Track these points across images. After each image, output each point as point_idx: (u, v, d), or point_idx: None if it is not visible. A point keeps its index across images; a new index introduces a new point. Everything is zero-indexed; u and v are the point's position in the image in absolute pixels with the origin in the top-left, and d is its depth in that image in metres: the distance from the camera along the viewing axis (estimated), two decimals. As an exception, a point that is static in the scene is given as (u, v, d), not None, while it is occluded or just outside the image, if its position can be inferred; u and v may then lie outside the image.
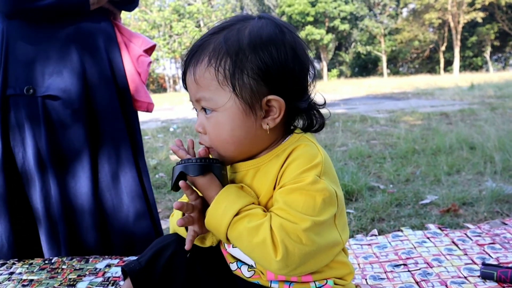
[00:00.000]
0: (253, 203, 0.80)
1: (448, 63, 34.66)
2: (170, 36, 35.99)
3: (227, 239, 0.79)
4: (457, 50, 31.92)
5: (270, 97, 0.78)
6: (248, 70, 0.76)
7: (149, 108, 1.60)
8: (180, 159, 0.83)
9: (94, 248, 1.54)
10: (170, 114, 10.29)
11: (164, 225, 2.00)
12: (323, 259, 0.80)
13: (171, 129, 6.86)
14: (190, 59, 0.81)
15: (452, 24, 31.53)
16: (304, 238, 0.73)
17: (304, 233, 0.73)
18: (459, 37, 31.84)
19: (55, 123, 1.48)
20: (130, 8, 1.64)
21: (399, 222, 2.02)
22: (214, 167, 0.81)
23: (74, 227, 1.52)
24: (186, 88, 0.85)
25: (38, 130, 1.48)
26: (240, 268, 0.89)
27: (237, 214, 0.77)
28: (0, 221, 1.52)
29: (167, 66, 40.37)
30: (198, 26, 35.58)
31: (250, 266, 0.88)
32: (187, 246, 0.87)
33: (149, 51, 1.61)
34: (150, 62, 1.59)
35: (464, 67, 33.65)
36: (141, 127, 1.70)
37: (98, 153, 1.53)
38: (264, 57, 0.77)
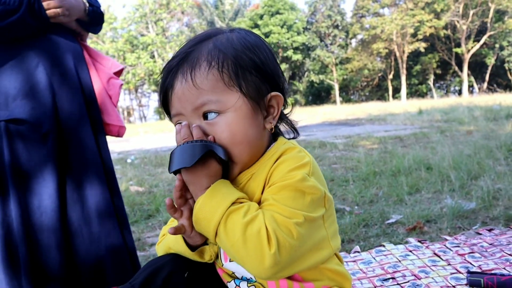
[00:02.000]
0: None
1: (396, 90, 36.38)
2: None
3: (216, 234, 0.75)
4: (403, 78, 33.65)
5: (273, 93, 0.82)
6: (250, 69, 0.78)
7: (120, 132, 1.55)
8: (196, 140, 0.76)
9: (57, 270, 1.42)
10: (126, 145, 10.07)
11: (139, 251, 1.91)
12: (311, 259, 0.79)
13: (129, 160, 6.69)
14: (178, 68, 0.78)
15: (398, 54, 33.32)
16: (295, 232, 0.72)
17: (295, 227, 0.72)
18: (404, 65, 33.64)
19: (19, 147, 1.39)
20: (95, 30, 1.60)
21: (368, 242, 2.05)
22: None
23: (35, 247, 1.40)
24: (165, 103, 0.81)
25: (0, 154, 1.38)
26: (239, 286, 0.86)
27: (232, 204, 0.75)
28: None
29: (121, 98, 39.73)
30: (153, 57, 35.50)
31: (249, 281, 0.85)
32: (171, 231, 0.80)
33: (118, 74, 1.57)
34: (122, 85, 1.55)
35: (411, 94, 35.43)
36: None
37: (66, 175, 1.44)
38: (260, 56, 0.81)
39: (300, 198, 0.75)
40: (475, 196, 2.58)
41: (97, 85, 1.51)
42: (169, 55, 37.90)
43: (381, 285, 1.33)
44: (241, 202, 0.76)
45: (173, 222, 0.88)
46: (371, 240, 2.08)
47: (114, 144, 10.32)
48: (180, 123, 0.80)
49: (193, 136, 0.76)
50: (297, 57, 36.28)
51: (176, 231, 0.80)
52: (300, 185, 0.76)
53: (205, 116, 0.78)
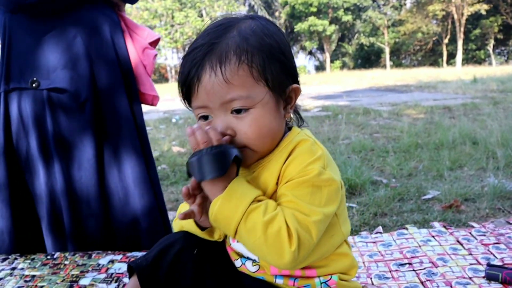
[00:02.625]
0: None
1: (451, 56, 34.46)
2: (172, 26, 35.78)
3: (236, 232, 0.77)
4: (460, 43, 31.72)
5: (294, 86, 0.84)
6: (275, 62, 0.79)
7: (154, 101, 1.60)
8: (215, 145, 0.76)
9: (96, 236, 1.53)
10: (172, 105, 10.25)
11: (171, 216, 2.00)
12: (324, 248, 0.84)
13: (173, 120, 6.86)
14: (205, 60, 0.77)
15: (455, 16, 31.30)
16: (314, 230, 0.75)
17: (314, 225, 0.75)
18: (462, 29, 31.62)
19: (61, 115, 1.47)
20: (132, 1, 1.63)
21: (401, 217, 2.03)
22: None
23: (78, 211, 1.51)
24: (188, 93, 0.80)
25: (43, 123, 1.47)
26: (244, 264, 0.90)
27: (251, 204, 0.77)
28: (1, 216, 1.52)
29: (169, 56, 40.20)
30: (201, 15, 35.37)
31: (254, 261, 0.88)
32: (180, 217, 0.85)
33: (154, 44, 1.60)
34: (156, 55, 1.59)
35: (466, 60, 33.46)
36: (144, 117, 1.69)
37: (103, 142, 1.52)
38: (282, 48, 0.81)
39: (318, 193, 0.77)
40: (521, 176, 2.47)
41: (133, 55, 1.55)
42: (218, 14, 37.49)
43: (397, 270, 1.33)
44: (259, 200, 0.78)
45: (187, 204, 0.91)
46: (404, 215, 2.06)
47: (160, 103, 10.52)
48: (203, 116, 0.81)
49: (213, 140, 0.77)
50: (348, 18, 34.92)
51: (185, 216, 0.84)
52: (317, 180, 0.78)
53: (232, 110, 0.79)
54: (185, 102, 0.84)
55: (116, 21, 1.55)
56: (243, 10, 40.27)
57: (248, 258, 0.89)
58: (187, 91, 0.80)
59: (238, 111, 0.78)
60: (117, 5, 1.59)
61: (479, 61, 33.66)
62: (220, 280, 0.90)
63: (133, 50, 1.56)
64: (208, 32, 0.80)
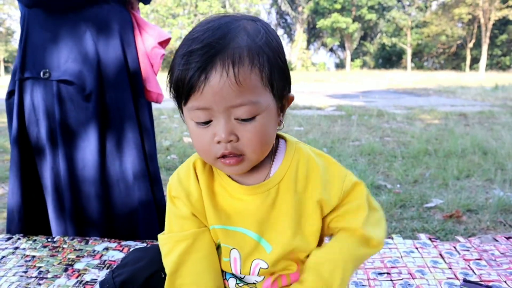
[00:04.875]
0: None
1: (475, 60, 33.82)
2: (195, 15, 35.85)
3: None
4: (485, 48, 31.09)
5: (291, 95, 0.82)
6: (278, 68, 0.76)
7: (158, 99, 1.64)
8: None
9: (96, 218, 1.59)
10: (188, 94, 10.32)
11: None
12: None
13: (188, 110, 6.90)
14: (215, 58, 0.70)
15: (482, 21, 30.66)
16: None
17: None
18: (488, 34, 30.97)
19: (67, 104, 1.54)
20: (147, 1, 1.68)
21: (400, 224, 2.04)
22: None
23: (78, 195, 1.57)
24: (186, 94, 0.72)
25: (51, 111, 1.54)
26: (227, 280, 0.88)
27: None
28: (13, 195, 1.60)
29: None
30: (224, 6, 35.37)
31: (239, 279, 0.87)
32: None
33: (164, 43, 1.64)
34: (163, 55, 1.62)
35: (491, 66, 32.77)
36: (158, 106, 1.73)
37: (106, 134, 1.58)
38: (283, 55, 0.78)
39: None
40: (527, 190, 2.44)
41: (141, 53, 1.60)
42: (241, 6, 37.52)
43: (375, 278, 1.34)
44: None
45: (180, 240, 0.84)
46: (404, 222, 2.07)
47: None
48: (200, 122, 0.74)
49: None
50: (371, 16, 34.53)
51: None
52: (367, 196, 0.85)
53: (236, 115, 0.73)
54: (177, 100, 0.76)
55: (127, 18, 1.60)
56: (266, 3, 40.08)
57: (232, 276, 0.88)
58: (189, 89, 0.71)
59: (244, 117, 0.73)
60: (130, 2, 1.63)
61: (503, 68, 32.94)
62: None
63: (142, 48, 1.61)
64: (213, 27, 0.73)
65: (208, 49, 0.70)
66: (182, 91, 0.72)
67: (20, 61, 1.55)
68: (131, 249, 1.50)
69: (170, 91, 0.76)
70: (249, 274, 0.84)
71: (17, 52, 1.60)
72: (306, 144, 0.87)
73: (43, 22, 1.53)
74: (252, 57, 0.71)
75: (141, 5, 1.71)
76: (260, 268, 0.82)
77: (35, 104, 1.56)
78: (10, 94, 1.61)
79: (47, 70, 1.52)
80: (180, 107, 0.77)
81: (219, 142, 0.73)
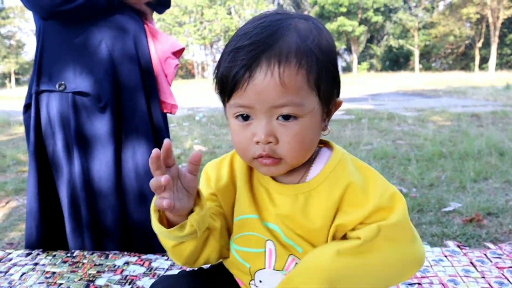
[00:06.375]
0: None
1: (484, 60, 33.52)
2: (201, 23, 36.11)
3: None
4: (494, 47, 30.82)
5: (338, 100, 0.77)
6: (327, 70, 0.72)
7: (172, 109, 1.64)
8: None
9: (113, 230, 1.57)
10: (197, 101, 10.37)
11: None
12: None
13: (197, 118, 6.92)
14: (261, 57, 0.68)
15: (490, 20, 30.42)
16: None
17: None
18: (497, 33, 30.70)
19: (83, 116, 1.53)
20: (161, 11, 1.67)
21: (419, 230, 1.99)
22: None
23: (95, 208, 1.56)
24: (229, 90, 0.70)
25: (67, 124, 1.54)
26: None
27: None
28: (31, 210, 1.59)
29: (197, 53, 40.58)
30: (229, 13, 35.56)
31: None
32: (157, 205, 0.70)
33: (178, 54, 1.63)
34: (177, 65, 1.61)
35: (500, 65, 32.46)
36: (168, 114, 1.71)
37: (122, 144, 1.57)
38: (334, 57, 0.75)
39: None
40: (548, 192, 2.38)
41: (155, 63, 1.59)
42: (246, 12, 37.73)
43: None
44: None
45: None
46: (422, 227, 2.03)
47: (186, 100, 10.70)
48: (241, 115, 0.72)
49: None
50: (377, 19, 34.45)
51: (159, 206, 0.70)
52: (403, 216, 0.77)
53: (279, 116, 0.71)
54: (221, 96, 0.75)
55: (141, 29, 1.60)
56: (271, 9, 40.16)
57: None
58: (233, 86, 0.70)
59: (286, 118, 0.70)
60: (144, 13, 1.64)
61: (513, 66, 32.62)
62: None
63: (156, 59, 1.61)
64: (263, 25, 0.71)
65: (255, 47, 0.68)
66: (226, 88, 0.71)
67: (36, 74, 1.55)
68: (152, 264, 1.49)
69: (216, 87, 0.74)
70: (282, 270, 0.79)
71: (33, 65, 1.60)
72: (353, 158, 0.81)
73: (58, 34, 1.53)
74: (300, 57, 0.69)
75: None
76: (296, 264, 0.78)
77: (51, 116, 1.56)
78: (27, 107, 1.61)
79: (63, 83, 1.51)
80: (224, 104, 0.75)
81: (257, 142, 0.71)
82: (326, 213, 0.75)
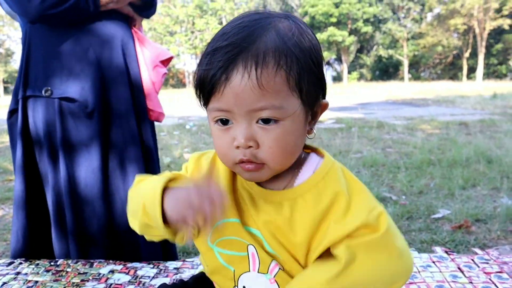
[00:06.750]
0: None
1: (471, 70, 34.02)
2: (192, 32, 36.23)
3: None
4: (481, 57, 31.32)
5: (324, 101, 0.75)
6: (309, 71, 0.69)
7: (159, 117, 1.62)
8: None
9: (98, 237, 1.54)
10: (188, 111, 10.34)
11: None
12: None
13: (188, 127, 6.90)
14: (238, 59, 0.66)
15: (477, 31, 30.95)
16: None
17: None
18: (484, 43, 31.23)
19: (70, 122, 1.51)
20: (148, 14, 1.66)
21: (409, 236, 1.99)
22: None
23: (80, 215, 1.53)
24: (208, 94, 0.68)
25: (53, 130, 1.51)
26: None
27: None
28: (18, 217, 1.56)
29: (188, 62, 40.64)
30: (221, 23, 35.71)
31: None
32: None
33: (166, 62, 1.62)
34: (165, 74, 1.60)
35: (487, 75, 32.96)
36: (158, 123, 1.69)
37: (108, 150, 1.54)
38: (317, 57, 0.72)
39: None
40: (535, 198, 2.40)
41: (143, 70, 1.58)
42: (237, 19, 37.60)
43: None
44: None
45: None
46: (412, 234, 2.03)
47: (176, 109, 10.68)
48: (221, 119, 0.70)
49: (207, 216, 0.66)
50: (367, 29, 34.87)
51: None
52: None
53: (258, 119, 0.68)
54: (200, 100, 0.72)
55: (129, 36, 1.59)
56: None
57: None
58: (210, 89, 0.68)
59: (266, 121, 0.67)
60: (133, 19, 1.62)
61: (500, 76, 33.12)
62: None
63: (144, 66, 1.59)
64: (241, 25, 0.69)
65: (231, 48, 0.66)
66: (204, 91, 0.69)
67: (22, 79, 1.52)
68: (137, 272, 1.45)
69: (195, 91, 0.72)
70: (267, 273, 0.77)
71: (19, 70, 1.57)
72: (342, 167, 0.78)
73: (45, 38, 1.50)
74: (279, 58, 0.66)
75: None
76: (279, 269, 0.75)
77: (37, 122, 1.53)
78: (11, 113, 1.58)
79: (49, 88, 1.48)
80: (205, 108, 0.73)
81: (238, 147, 0.68)
82: (311, 223, 0.71)
